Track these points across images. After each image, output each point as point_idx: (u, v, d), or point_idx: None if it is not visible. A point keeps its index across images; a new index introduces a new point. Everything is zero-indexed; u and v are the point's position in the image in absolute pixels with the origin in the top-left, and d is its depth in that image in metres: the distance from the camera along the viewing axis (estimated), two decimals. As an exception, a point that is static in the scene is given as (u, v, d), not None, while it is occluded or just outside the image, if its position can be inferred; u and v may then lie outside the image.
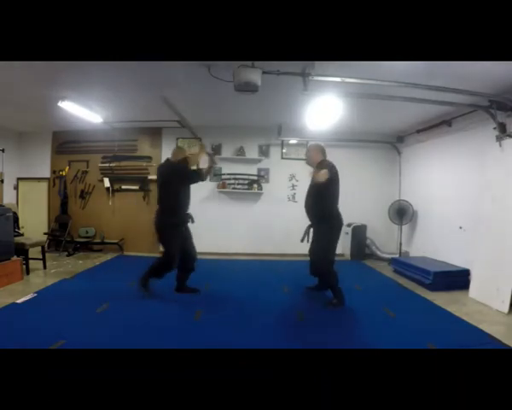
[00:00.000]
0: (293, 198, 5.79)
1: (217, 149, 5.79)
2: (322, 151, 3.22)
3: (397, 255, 5.27)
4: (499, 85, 3.14)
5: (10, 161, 5.65)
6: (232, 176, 5.78)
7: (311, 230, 3.23)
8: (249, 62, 2.70)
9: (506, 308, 3.02)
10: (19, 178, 6.05)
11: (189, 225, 3.37)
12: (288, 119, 4.99)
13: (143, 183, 5.83)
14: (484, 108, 3.45)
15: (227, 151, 5.80)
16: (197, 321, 2.77)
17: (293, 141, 5.80)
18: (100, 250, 5.79)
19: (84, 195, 5.93)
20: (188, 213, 3.34)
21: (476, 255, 3.59)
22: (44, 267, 4.40)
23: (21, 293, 3.31)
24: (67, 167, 5.92)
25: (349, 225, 5.62)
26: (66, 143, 5.95)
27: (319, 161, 3.13)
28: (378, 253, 5.62)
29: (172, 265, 3.21)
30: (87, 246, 5.77)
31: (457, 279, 3.83)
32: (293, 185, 5.84)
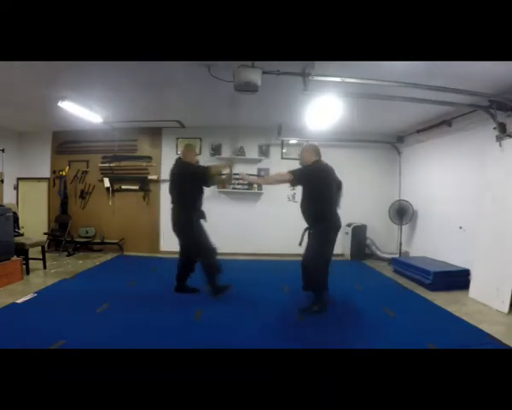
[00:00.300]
0: (293, 198, 5.78)
1: (217, 149, 5.79)
2: (316, 152, 3.08)
3: (397, 255, 5.27)
4: (499, 85, 3.14)
5: (10, 161, 5.65)
6: (232, 176, 5.77)
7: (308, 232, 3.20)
8: (249, 62, 2.70)
9: (506, 308, 3.02)
10: (19, 178, 6.04)
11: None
12: (288, 119, 4.99)
13: (143, 183, 5.83)
14: (484, 108, 3.45)
15: (227, 151, 5.79)
16: (197, 321, 2.77)
17: (293, 141, 5.80)
18: (100, 250, 5.79)
19: (84, 195, 5.93)
20: (202, 211, 3.36)
21: (476, 255, 3.59)
22: (44, 267, 4.40)
23: (21, 293, 3.31)
24: (67, 167, 5.92)
25: (349, 225, 5.62)
26: (66, 143, 5.95)
27: (312, 161, 3.03)
28: (378, 253, 5.62)
29: (215, 255, 3.24)
30: (87, 246, 5.77)
31: (457, 279, 3.83)
32: (293, 185, 5.84)
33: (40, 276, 4.12)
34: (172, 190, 3.32)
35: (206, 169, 3.32)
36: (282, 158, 5.89)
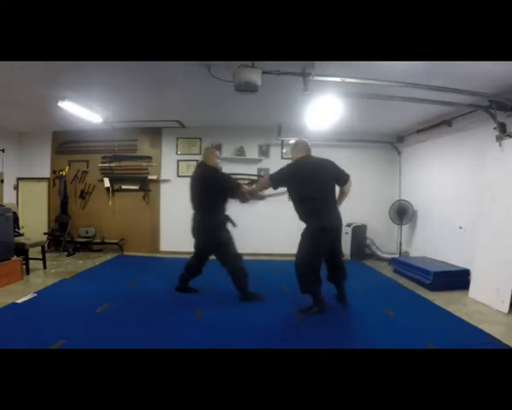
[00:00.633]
0: (293, 198, 5.78)
1: (217, 149, 5.78)
2: (303, 148, 3.01)
3: (397, 255, 5.27)
4: (499, 85, 3.14)
5: (10, 161, 5.65)
6: (232, 176, 5.77)
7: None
8: (249, 62, 2.70)
9: (506, 308, 3.02)
10: (19, 178, 6.04)
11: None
12: (288, 119, 4.99)
13: (143, 183, 5.83)
14: (484, 108, 3.45)
15: (227, 151, 5.79)
16: (197, 321, 2.77)
17: (293, 141, 5.77)
18: (100, 250, 5.80)
19: (84, 195, 5.93)
20: (228, 216, 3.33)
21: (476, 255, 3.59)
22: (44, 267, 4.40)
23: (21, 293, 3.31)
24: (67, 167, 5.92)
25: (349, 225, 5.62)
26: (66, 143, 5.95)
27: (298, 158, 2.98)
28: (378, 253, 5.62)
29: (242, 263, 3.21)
30: (87, 246, 5.78)
31: (457, 279, 3.82)
32: (293, 185, 5.84)
33: (40, 276, 4.12)
34: (197, 195, 3.24)
35: (235, 184, 3.33)
36: (282, 158, 5.88)
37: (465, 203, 4.06)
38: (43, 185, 6.03)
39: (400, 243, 5.43)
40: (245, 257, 3.35)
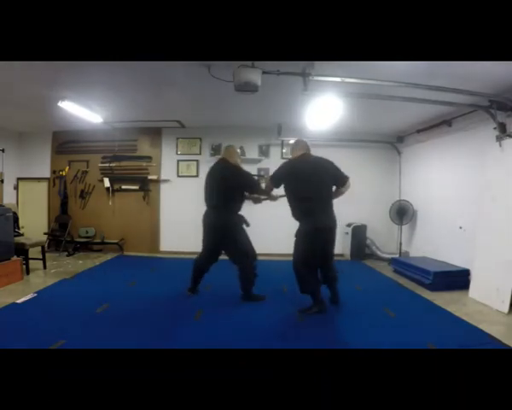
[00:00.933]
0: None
1: (217, 149, 5.79)
2: (303, 147, 3.03)
3: (397, 255, 5.27)
4: (499, 85, 3.14)
5: (10, 161, 5.66)
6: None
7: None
8: (249, 62, 2.69)
9: (506, 308, 3.02)
10: (19, 178, 6.05)
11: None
12: (288, 119, 4.99)
13: (143, 183, 5.83)
14: (484, 108, 3.44)
15: (227, 151, 5.79)
16: (197, 321, 2.77)
17: (293, 141, 5.79)
18: (100, 250, 5.80)
19: (84, 195, 5.93)
20: (243, 216, 3.30)
21: (476, 255, 3.59)
22: (44, 267, 4.40)
23: (21, 293, 3.31)
24: (67, 167, 5.93)
25: (349, 225, 5.62)
26: (66, 143, 5.95)
27: (297, 156, 3.00)
28: (378, 253, 5.62)
29: (255, 261, 3.20)
30: (87, 246, 5.78)
31: (457, 279, 3.82)
32: (293, 185, 5.84)
33: (40, 276, 4.12)
34: (216, 192, 3.16)
35: (259, 185, 3.34)
36: (282, 158, 5.88)
37: (465, 203, 4.06)
38: (43, 185, 6.03)
39: (400, 243, 5.43)
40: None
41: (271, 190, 3.20)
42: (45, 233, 5.59)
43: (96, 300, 3.15)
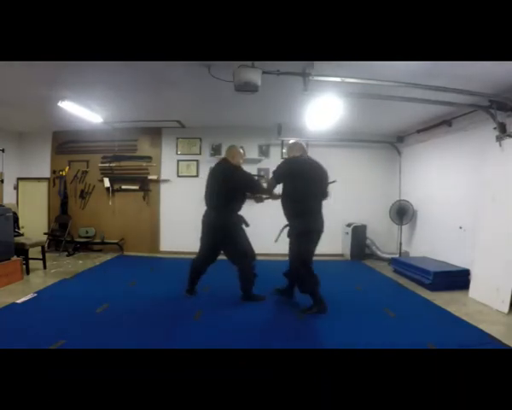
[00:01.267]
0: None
1: (217, 149, 5.79)
2: (299, 148, 3.12)
3: (397, 255, 5.27)
4: (499, 86, 3.14)
5: (10, 161, 5.65)
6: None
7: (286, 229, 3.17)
8: (249, 62, 2.69)
9: (506, 308, 3.02)
10: (19, 178, 6.05)
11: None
12: (288, 119, 4.99)
13: (143, 183, 5.83)
14: (484, 108, 3.44)
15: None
16: (197, 321, 2.77)
17: (293, 141, 5.79)
18: (100, 250, 5.79)
19: (84, 195, 5.93)
20: (242, 216, 3.31)
21: (476, 255, 3.59)
22: (44, 267, 4.40)
23: (21, 293, 3.30)
24: (67, 167, 5.92)
25: (349, 225, 5.62)
26: (66, 143, 5.95)
27: (296, 156, 3.08)
28: (378, 253, 5.61)
29: (254, 261, 3.21)
30: (87, 246, 5.78)
31: (457, 279, 3.82)
32: (293, 185, 5.83)
33: (40, 276, 4.12)
34: (216, 191, 3.15)
35: (260, 185, 3.36)
36: (282, 158, 5.88)
37: (465, 203, 4.06)
38: (43, 185, 6.03)
39: (400, 243, 5.42)
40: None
41: (274, 187, 3.19)
42: (45, 233, 5.59)
43: (96, 300, 3.15)
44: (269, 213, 5.71)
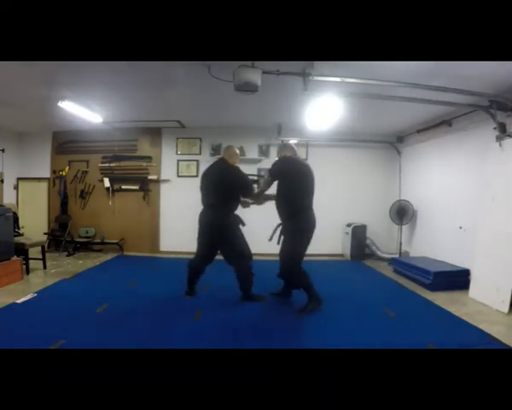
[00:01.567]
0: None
1: (217, 149, 5.78)
2: (290, 149, 3.19)
3: (397, 255, 5.27)
4: (499, 86, 3.14)
5: (10, 161, 5.65)
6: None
7: (279, 229, 3.20)
8: (249, 62, 2.69)
9: (506, 308, 3.02)
10: (19, 178, 6.05)
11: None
12: (288, 119, 4.99)
13: (143, 183, 5.83)
14: (484, 108, 3.45)
15: (227, 151, 5.78)
16: (197, 321, 2.77)
17: (293, 141, 5.77)
18: (100, 250, 5.79)
19: (84, 195, 5.93)
20: (239, 216, 3.32)
21: (476, 255, 3.59)
22: (44, 267, 4.40)
23: (21, 293, 3.30)
24: (67, 167, 5.92)
25: (349, 225, 5.62)
26: (66, 143, 5.95)
27: (289, 155, 3.14)
28: (378, 253, 5.62)
29: (250, 261, 3.22)
30: (87, 246, 5.78)
31: (457, 279, 3.82)
32: (293, 185, 5.83)
33: (40, 276, 4.12)
34: (212, 191, 3.15)
35: (252, 190, 3.33)
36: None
37: (465, 203, 4.06)
38: (43, 185, 6.03)
39: (400, 243, 5.42)
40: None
41: (270, 185, 3.21)
42: (45, 233, 5.59)
43: (96, 300, 3.15)
44: (266, 214, 5.73)
